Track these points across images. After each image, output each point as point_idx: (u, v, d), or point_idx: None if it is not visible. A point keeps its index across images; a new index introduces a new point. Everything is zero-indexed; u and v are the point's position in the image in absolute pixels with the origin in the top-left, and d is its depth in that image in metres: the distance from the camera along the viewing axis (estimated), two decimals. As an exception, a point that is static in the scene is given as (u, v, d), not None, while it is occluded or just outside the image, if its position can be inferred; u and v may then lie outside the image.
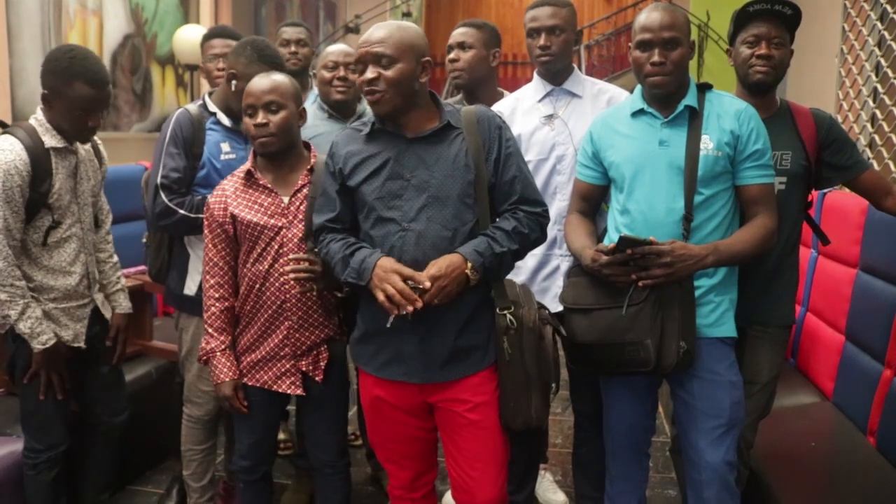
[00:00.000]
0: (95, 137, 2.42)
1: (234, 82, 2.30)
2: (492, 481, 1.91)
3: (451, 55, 2.59)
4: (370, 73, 1.81)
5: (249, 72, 2.25)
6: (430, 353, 1.86)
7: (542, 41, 2.36)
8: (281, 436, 3.21)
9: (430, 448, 2.04)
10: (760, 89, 2.16)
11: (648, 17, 1.97)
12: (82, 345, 2.32)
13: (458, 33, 2.60)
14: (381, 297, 1.75)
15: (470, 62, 2.57)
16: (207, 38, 2.93)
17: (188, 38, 4.33)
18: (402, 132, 1.87)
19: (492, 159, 1.87)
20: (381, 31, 1.83)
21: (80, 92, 2.11)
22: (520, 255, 1.91)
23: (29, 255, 2.19)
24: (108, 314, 2.45)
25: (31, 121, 2.20)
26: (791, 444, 2.57)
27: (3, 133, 2.17)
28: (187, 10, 4.86)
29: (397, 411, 1.94)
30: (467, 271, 1.77)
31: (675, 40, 1.94)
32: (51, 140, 2.18)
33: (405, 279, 1.75)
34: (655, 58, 1.94)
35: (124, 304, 2.47)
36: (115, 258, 2.51)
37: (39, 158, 2.14)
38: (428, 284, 1.73)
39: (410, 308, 1.74)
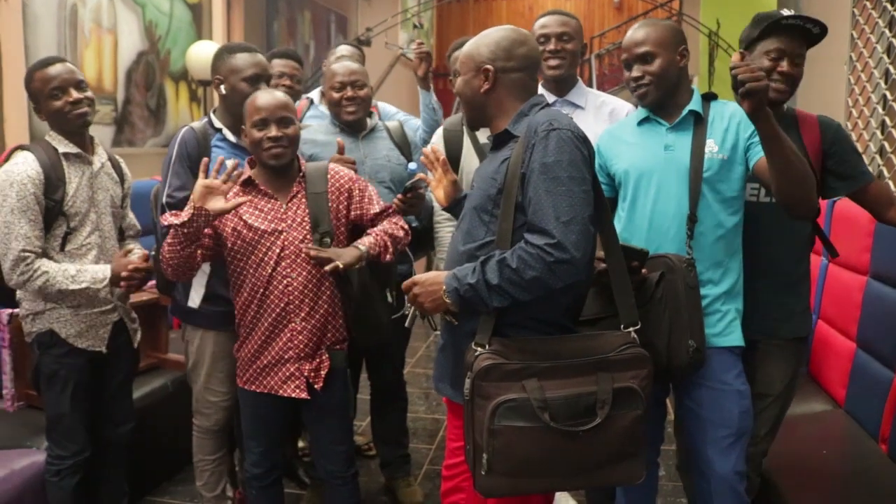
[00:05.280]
0: (117, 156, 2.49)
1: (221, 87, 2.38)
2: None
3: None
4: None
5: (230, 66, 2.35)
6: (440, 364, 1.88)
7: (552, 45, 2.42)
8: (301, 443, 3.24)
9: None
10: (773, 105, 2.12)
11: (626, 37, 2.08)
12: (103, 349, 2.36)
13: None
14: None
15: None
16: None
17: (201, 54, 4.39)
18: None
19: (521, 174, 1.63)
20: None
21: None
22: (507, 292, 1.58)
23: None
24: (130, 326, 2.48)
25: (46, 137, 2.29)
26: (803, 452, 2.56)
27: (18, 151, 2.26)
28: (200, 26, 4.93)
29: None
30: (442, 293, 1.67)
31: (648, 54, 2.01)
32: (64, 147, 2.25)
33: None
34: (634, 73, 2.04)
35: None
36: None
37: (52, 167, 2.21)
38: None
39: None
